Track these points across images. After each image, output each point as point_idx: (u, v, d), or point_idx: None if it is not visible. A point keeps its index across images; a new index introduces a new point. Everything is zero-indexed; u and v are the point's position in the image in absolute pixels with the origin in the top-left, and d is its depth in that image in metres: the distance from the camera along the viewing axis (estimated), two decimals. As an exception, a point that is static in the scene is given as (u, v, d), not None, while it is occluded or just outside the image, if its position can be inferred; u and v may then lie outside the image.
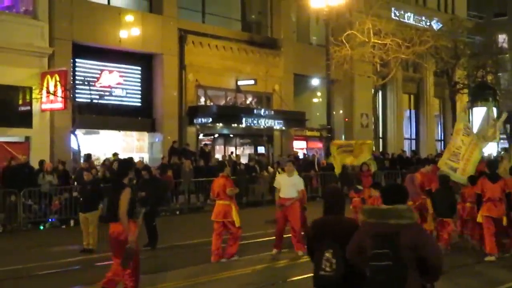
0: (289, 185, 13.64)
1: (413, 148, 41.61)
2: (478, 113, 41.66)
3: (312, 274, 6.06)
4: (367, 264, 5.47)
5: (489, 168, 13.50)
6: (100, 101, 24.46)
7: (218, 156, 28.36)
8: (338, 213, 6.19)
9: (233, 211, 13.07)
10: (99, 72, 25.81)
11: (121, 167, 9.79)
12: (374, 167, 20.70)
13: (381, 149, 36.81)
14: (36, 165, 20.51)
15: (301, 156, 31.41)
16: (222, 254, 13.03)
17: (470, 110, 43.12)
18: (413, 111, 43.09)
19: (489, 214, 12.82)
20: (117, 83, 26.36)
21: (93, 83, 24.76)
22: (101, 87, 25.51)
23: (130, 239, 8.72)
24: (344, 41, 32.18)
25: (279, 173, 19.93)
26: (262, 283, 10.98)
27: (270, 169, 26.83)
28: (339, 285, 5.84)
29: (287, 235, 13.79)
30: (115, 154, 23.87)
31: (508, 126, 47.06)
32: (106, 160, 23.48)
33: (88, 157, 22.24)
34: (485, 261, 12.53)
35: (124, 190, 8.84)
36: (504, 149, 33.84)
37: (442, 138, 45.41)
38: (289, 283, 11.19)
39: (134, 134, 28.34)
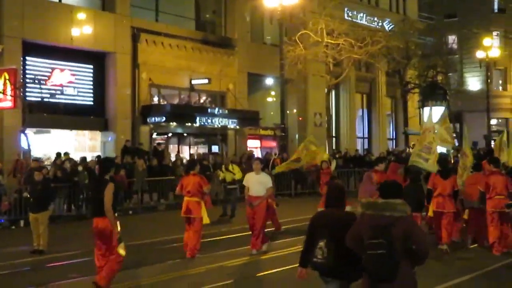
0: (257, 183, 13.80)
1: (366, 146, 42.14)
2: (429, 112, 42.45)
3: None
4: (363, 251, 6.07)
5: (440, 165, 14.00)
6: (51, 100, 24.11)
7: (172, 155, 28.19)
8: (336, 207, 6.81)
9: (202, 208, 13.35)
10: (50, 70, 25.42)
11: (104, 165, 10.51)
12: (333, 165, 20.82)
13: (334, 148, 37.18)
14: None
15: (258, 155, 31.52)
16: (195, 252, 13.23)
17: (421, 109, 43.92)
18: (365, 110, 43.61)
19: (438, 209, 13.53)
20: (69, 82, 26.02)
21: (44, 82, 24.38)
22: (52, 85, 25.14)
23: (116, 231, 9.42)
24: (297, 40, 32.40)
25: (222, 172, 20.03)
26: (214, 282, 10.99)
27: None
28: (330, 271, 6.54)
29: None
30: (66, 154, 23.54)
31: (457, 125, 48.15)
32: (57, 159, 23.13)
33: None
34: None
35: (108, 185, 9.47)
36: (455, 148, 34.50)
37: (394, 137, 46.11)
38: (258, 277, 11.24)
39: (86, 133, 28.01)
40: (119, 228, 9.55)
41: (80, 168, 21.91)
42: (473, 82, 52.66)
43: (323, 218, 6.82)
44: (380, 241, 5.96)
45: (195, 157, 26.46)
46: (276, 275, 11.83)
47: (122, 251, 9.61)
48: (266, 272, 12.00)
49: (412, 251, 6.06)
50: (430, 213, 13.87)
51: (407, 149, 38.52)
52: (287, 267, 12.28)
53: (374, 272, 6.00)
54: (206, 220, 13.42)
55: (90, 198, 10.11)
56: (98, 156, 25.26)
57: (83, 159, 22.98)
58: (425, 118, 38.78)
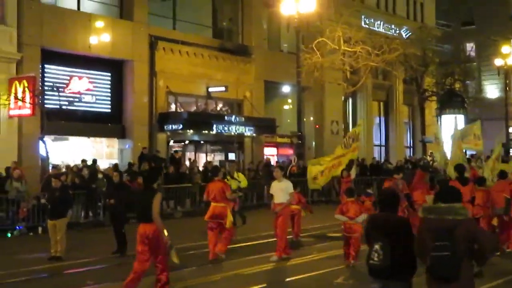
0: (279, 190, 14.07)
1: (383, 154, 41.97)
2: (447, 120, 42.36)
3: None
4: (428, 254, 6.34)
5: (458, 172, 14.24)
6: (69, 107, 24.25)
7: (188, 163, 28.24)
8: (390, 211, 7.14)
9: (228, 213, 13.84)
10: (69, 78, 25.57)
11: (151, 174, 11.21)
12: (353, 173, 20.73)
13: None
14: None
15: (273, 162, 31.53)
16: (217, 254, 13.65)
17: (439, 117, 43.75)
18: (382, 118, 43.45)
19: None
20: (87, 89, 26.13)
21: (62, 89, 24.54)
22: (70, 93, 25.28)
23: (166, 236, 9.80)
24: (314, 48, 32.39)
25: (227, 179, 19.79)
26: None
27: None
28: (385, 273, 6.78)
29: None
30: (84, 161, 23.68)
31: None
32: (75, 166, 23.27)
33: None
34: None
35: (156, 194, 9.93)
36: (472, 155, 34.29)
37: (411, 145, 45.89)
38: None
39: (104, 140, 28.14)
40: (166, 234, 9.84)
41: (100, 175, 22.05)
42: (491, 90, 52.32)
43: (377, 222, 7.13)
44: (445, 244, 6.26)
45: (213, 164, 26.44)
46: (293, 283, 11.82)
47: (175, 259, 10.04)
48: (288, 279, 11.99)
49: (475, 251, 6.37)
50: None
51: (424, 157, 38.38)
52: (304, 275, 12.28)
53: (439, 273, 6.32)
54: (229, 224, 13.85)
55: (137, 206, 10.39)
56: (115, 165, 25.39)
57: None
58: (443, 126, 38.82)
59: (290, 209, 14.19)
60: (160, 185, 10.62)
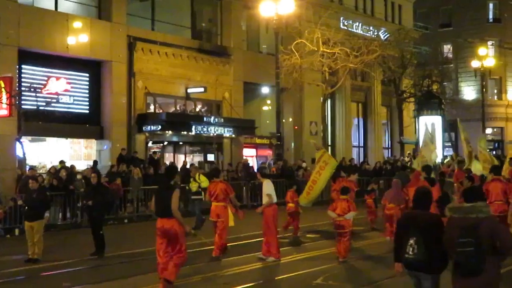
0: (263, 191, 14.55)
1: (361, 155, 42.18)
2: (425, 122, 42.71)
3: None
4: (454, 250, 6.89)
5: (426, 173, 15.56)
6: (46, 108, 24.04)
7: (167, 163, 28.16)
8: (423, 209, 7.66)
9: (228, 212, 14.45)
10: (46, 78, 25.40)
11: (169, 171, 12.08)
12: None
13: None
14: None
15: (253, 163, 31.57)
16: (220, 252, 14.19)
17: (417, 118, 44.10)
18: (361, 119, 43.66)
19: None
20: (64, 90, 25.99)
21: (39, 90, 24.35)
22: (48, 93, 25.09)
23: (187, 228, 10.80)
24: (293, 49, 32.45)
25: (194, 180, 19.77)
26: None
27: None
28: (419, 266, 7.33)
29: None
30: (62, 162, 23.51)
31: (452, 134, 48.24)
32: (52, 168, 23.09)
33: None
34: None
35: (175, 190, 10.58)
36: (450, 156, 34.66)
37: (389, 146, 46.16)
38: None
39: (82, 141, 27.96)
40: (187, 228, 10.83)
41: (78, 176, 21.91)
42: (468, 91, 52.84)
43: (412, 218, 7.61)
44: (469, 240, 6.77)
45: (193, 165, 26.35)
46: (274, 284, 11.84)
47: (203, 238, 12.52)
48: (267, 280, 12.01)
49: (497, 248, 6.80)
50: None
51: (402, 158, 38.62)
52: (284, 276, 12.31)
53: (463, 268, 6.84)
54: (231, 223, 14.52)
55: (156, 202, 11.01)
56: (95, 162, 25.27)
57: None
58: (421, 127, 39.23)
59: (270, 209, 14.11)
60: (176, 182, 11.56)
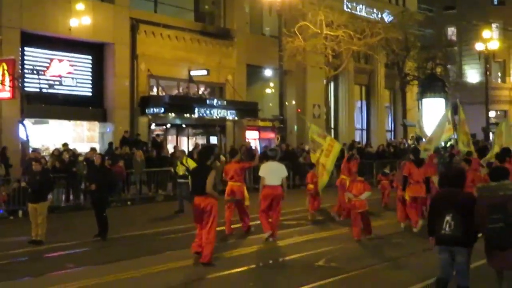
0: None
1: (364, 138, 42.15)
2: (428, 104, 42.58)
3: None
4: (485, 226, 7.53)
5: (413, 155, 15.94)
6: (49, 91, 24.08)
7: (170, 146, 28.19)
8: (458, 187, 8.15)
9: (244, 190, 15.16)
10: (49, 61, 25.39)
11: (205, 152, 12.64)
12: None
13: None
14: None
15: (256, 146, 31.58)
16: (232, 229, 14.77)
17: (420, 101, 43.88)
18: (364, 102, 43.57)
19: (414, 194, 15.28)
20: (67, 73, 25.99)
21: (42, 72, 24.34)
22: (50, 76, 25.10)
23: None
24: (296, 32, 32.34)
25: (181, 164, 19.57)
26: (213, 272, 11.02)
27: (223, 159, 26.86)
28: (454, 241, 7.84)
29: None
30: (65, 144, 23.55)
31: (456, 117, 48.06)
32: (56, 150, 23.12)
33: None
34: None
35: (211, 171, 11.35)
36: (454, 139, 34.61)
37: (392, 129, 46.10)
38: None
39: (85, 124, 27.98)
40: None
41: (80, 158, 21.96)
42: (472, 74, 52.64)
43: (448, 196, 8.10)
44: (498, 216, 7.38)
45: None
46: (275, 265, 11.90)
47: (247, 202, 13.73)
48: (271, 261, 12.06)
49: None
50: (407, 197, 15.38)
51: (405, 140, 38.60)
52: (286, 258, 12.37)
53: (495, 242, 7.48)
54: (246, 202, 15.11)
55: (193, 180, 11.81)
56: (92, 149, 25.14)
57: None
58: (424, 110, 39.28)
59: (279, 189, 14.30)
60: (212, 163, 12.19)
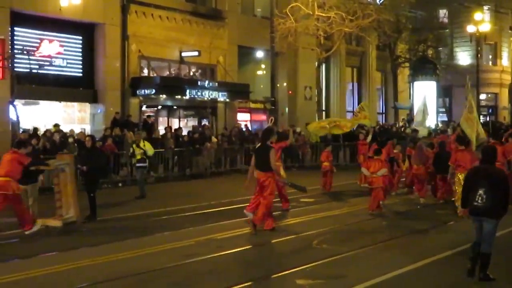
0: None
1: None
2: (419, 87, 42.69)
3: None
4: None
5: (380, 137, 18.65)
6: (40, 71, 23.88)
7: (161, 128, 28.12)
8: (490, 163, 9.07)
9: (281, 169, 15.70)
10: (39, 41, 25.17)
11: (266, 134, 13.82)
12: (369, 137, 22.63)
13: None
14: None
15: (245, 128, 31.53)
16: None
17: (411, 83, 44.02)
18: (355, 84, 43.58)
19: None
20: (58, 53, 25.79)
21: (32, 53, 24.13)
22: (40, 56, 24.88)
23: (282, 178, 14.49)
24: (288, 13, 32.20)
25: (138, 147, 19.20)
26: (205, 254, 11.03)
27: (214, 140, 26.85)
28: (487, 213, 8.69)
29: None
30: (56, 125, 23.43)
31: (447, 99, 48.28)
32: (47, 131, 23.01)
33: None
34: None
35: (271, 150, 13.01)
36: (444, 122, 34.75)
37: (384, 111, 46.16)
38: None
39: (75, 105, 27.83)
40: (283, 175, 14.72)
41: (70, 140, 21.85)
42: (463, 57, 52.65)
43: (481, 172, 8.94)
44: None
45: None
46: (268, 246, 11.93)
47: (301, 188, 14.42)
48: (263, 242, 12.09)
49: None
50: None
51: (396, 123, 38.67)
52: (278, 240, 12.41)
53: None
54: (283, 175, 15.58)
55: (256, 158, 13.25)
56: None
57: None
58: (415, 92, 39.41)
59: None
60: (272, 142, 13.53)
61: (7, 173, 12.89)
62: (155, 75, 29.34)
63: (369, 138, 22.43)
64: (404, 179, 19.94)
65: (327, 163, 19.67)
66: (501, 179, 8.78)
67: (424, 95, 27.54)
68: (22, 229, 13.09)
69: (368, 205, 15.69)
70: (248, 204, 13.34)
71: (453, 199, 15.91)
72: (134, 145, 19.61)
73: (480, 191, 8.65)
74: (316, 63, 36.34)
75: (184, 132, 26.99)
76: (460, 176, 14.37)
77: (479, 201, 8.67)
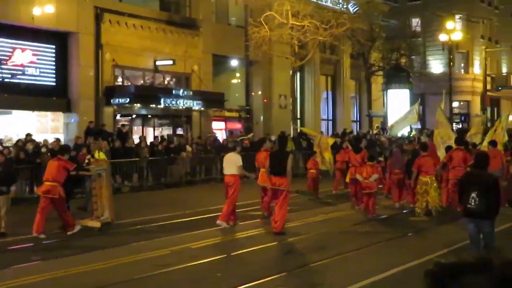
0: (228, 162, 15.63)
1: (330, 128, 42.40)
2: (393, 95, 43.08)
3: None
4: None
5: (355, 143, 19.13)
6: (12, 80, 23.70)
7: (136, 137, 28.00)
8: (482, 169, 9.54)
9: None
10: (11, 50, 24.96)
11: (282, 141, 15.48)
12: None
13: (299, 130, 37.29)
14: None
15: (223, 137, 31.53)
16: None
17: (385, 92, 44.43)
18: (330, 92, 43.80)
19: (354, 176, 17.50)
20: (30, 62, 25.59)
21: (4, 62, 23.93)
22: (13, 65, 24.69)
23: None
24: (263, 22, 32.33)
25: (93, 157, 18.74)
26: (179, 263, 11.00)
27: (189, 149, 26.79)
28: (479, 214, 9.19)
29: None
30: (29, 135, 23.22)
31: (420, 108, 48.64)
32: (19, 141, 22.79)
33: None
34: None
35: (289, 156, 13.86)
36: (417, 129, 35.07)
37: (358, 119, 46.45)
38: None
39: (49, 114, 27.61)
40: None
41: (43, 149, 21.66)
42: (436, 65, 53.28)
43: (473, 176, 9.60)
44: None
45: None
46: (238, 257, 11.93)
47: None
48: (233, 253, 12.08)
49: None
50: (348, 180, 18.32)
51: (370, 131, 38.94)
52: (248, 249, 12.41)
53: None
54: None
55: (272, 162, 13.89)
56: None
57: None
58: (389, 100, 39.77)
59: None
60: (290, 148, 14.62)
61: (54, 178, 13.79)
62: (129, 84, 29.23)
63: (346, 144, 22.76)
64: (381, 185, 20.10)
65: (314, 170, 20.55)
66: (492, 183, 9.26)
67: (417, 102, 28.08)
68: (64, 230, 14.08)
69: (366, 211, 16.46)
70: (220, 214, 13.57)
71: (412, 205, 16.97)
72: (89, 156, 19.30)
73: (473, 194, 9.13)
74: (291, 71, 36.48)
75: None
76: (423, 179, 15.86)
77: (472, 203, 9.14)
